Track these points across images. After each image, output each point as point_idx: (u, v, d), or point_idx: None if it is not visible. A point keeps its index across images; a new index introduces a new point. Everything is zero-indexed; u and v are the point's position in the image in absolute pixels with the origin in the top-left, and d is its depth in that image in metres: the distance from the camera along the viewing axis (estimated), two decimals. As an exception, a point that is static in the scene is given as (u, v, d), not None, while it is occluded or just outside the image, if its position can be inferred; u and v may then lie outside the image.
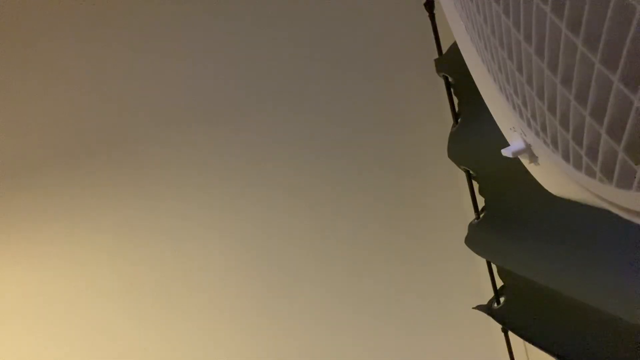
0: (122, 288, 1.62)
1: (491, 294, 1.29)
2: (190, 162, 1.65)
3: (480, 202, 1.26)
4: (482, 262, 1.38)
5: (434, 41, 1.30)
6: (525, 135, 0.42)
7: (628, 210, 0.30)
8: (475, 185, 1.29)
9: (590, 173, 0.30)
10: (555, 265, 0.82)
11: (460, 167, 1.32)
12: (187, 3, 1.65)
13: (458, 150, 1.26)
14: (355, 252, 1.65)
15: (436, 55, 1.29)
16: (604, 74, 0.23)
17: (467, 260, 1.62)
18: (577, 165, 0.32)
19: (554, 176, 0.42)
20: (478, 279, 1.63)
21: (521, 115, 0.39)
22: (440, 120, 1.63)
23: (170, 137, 1.65)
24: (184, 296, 1.62)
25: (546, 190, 0.48)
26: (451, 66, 1.19)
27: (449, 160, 1.34)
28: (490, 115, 0.51)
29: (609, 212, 0.34)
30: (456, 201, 1.64)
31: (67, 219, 1.63)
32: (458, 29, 0.48)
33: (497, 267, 1.27)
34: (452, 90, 1.28)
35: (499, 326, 1.30)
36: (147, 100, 1.65)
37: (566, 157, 0.33)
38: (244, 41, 1.66)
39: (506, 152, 0.46)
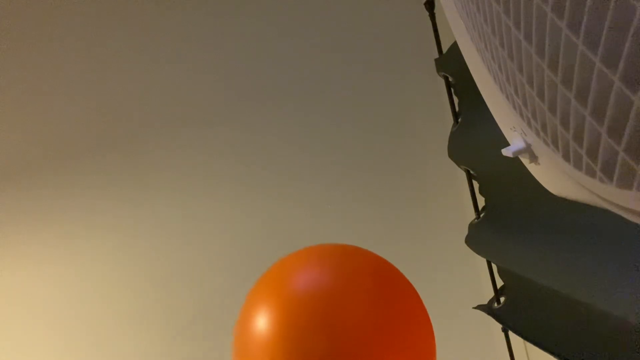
0: (122, 288, 1.62)
1: (491, 294, 1.29)
2: (191, 163, 1.65)
3: (481, 202, 1.26)
4: (482, 262, 1.38)
5: (434, 41, 1.30)
6: (525, 135, 0.42)
7: (628, 210, 0.30)
8: (475, 185, 1.28)
9: (591, 173, 0.30)
10: (555, 265, 0.82)
11: (460, 167, 1.32)
12: (188, 2, 1.65)
13: (458, 150, 1.26)
14: (355, 252, 1.65)
15: (436, 55, 1.29)
16: (604, 74, 0.23)
17: (467, 260, 1.62)
18: (578, 165, 0.32)
19: (554, 176, 0.42)
20: (478, 279, 1.63)
21: (521, 115, 0.39)
22: (440, 120, 1.63)
23: (171, 137, 1.65)
24: (184, 297, 1.62)
25: (546, 190, 0.48)
26: (451, 66, 1.19)
27: (449, 160, 1.33)
28: (491, 115, 0.51)
29: (609, 212, 0.34)
30: (456, 201, 1.64)
31: (66, 220, 1.63)
32: (458, 29, 0.48)
33: (497, 267, 1.27)
34: (452, 90, 1.28)
35: (499, 326, 1.30)
36: (147, 101, 1.65)
37: (566, 157, 0.33)
38: (241, 42, 1.66)
39: (506, 152, 0.46)
